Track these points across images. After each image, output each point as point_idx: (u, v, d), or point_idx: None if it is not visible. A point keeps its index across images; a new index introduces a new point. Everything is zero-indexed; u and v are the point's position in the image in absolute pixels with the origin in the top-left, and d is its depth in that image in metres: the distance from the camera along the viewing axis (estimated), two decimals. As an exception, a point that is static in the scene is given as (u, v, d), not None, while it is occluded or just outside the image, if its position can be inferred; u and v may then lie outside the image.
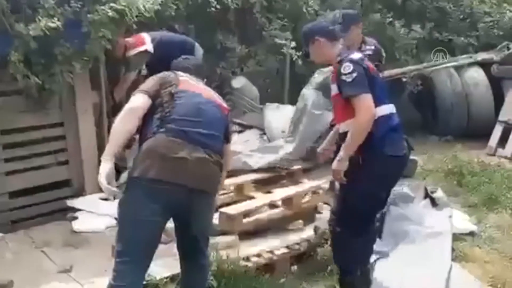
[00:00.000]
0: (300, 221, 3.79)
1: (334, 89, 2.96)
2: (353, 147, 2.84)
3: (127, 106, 2.46)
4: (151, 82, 2.60)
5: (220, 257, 3.16)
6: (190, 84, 2.68)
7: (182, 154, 2.39)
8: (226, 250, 3.30)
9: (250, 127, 5.55)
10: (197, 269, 2.69)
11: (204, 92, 2.69)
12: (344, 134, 2.93)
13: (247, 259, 3.34)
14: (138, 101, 2.48)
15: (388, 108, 2.96)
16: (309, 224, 3.83)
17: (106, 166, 2.38)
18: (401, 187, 4.39)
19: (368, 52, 4.43)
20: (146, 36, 4.79)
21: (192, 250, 2.66)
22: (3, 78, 3.59)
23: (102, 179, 2.36)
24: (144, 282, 2.61)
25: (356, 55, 2.96)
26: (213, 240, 3.35)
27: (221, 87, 6.02)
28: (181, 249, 2.70)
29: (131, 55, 4.70)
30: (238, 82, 6.05)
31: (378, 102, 2.85)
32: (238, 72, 6.26)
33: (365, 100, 2.79)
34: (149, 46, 4.74)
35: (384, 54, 4.66)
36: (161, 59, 4.76)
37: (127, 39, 4.64)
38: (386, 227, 3.75)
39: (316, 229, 3.67)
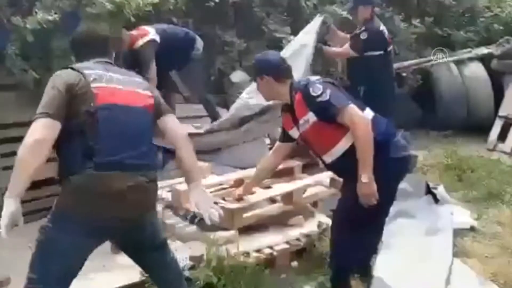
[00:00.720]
0: (301, 216, 3.76)
1: (307, 122, 2.79)
2: (370, 160, 2.67)
3: (31, 138, 2.08)
4: (53, 97, 2.16)
5: (220, 253, 3.13)
6: (106, 92, 2.24)
7: (117, 187, 2.16)
8: (225, 245, 3.27)
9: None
10: (167, 264, 2.55)
11: (124, 96, 2.28)
12: (333, 165, 2.87)
13: (247, 254, 3.31)
14: (44, 131, 2.10)
15: (369, 112, 2.88)
16: (310, 220, 3.80)
17: (11, 207, 2.07)
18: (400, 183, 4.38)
19: (362, 37, 4.59)
20: (149, 28, 4.77)
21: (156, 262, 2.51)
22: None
23: (4, 222, 2.06)
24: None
25: (312, 78, 2.88)
26: (212, 235, 3.35)
27: (220, 81, 5.99)
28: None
29: (139, 46, 4.67)
30: (237, 76, 6.01)
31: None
32: (237, 66, 6.22)
33: (354, 109, 2.70)
34: (155, 36, 4.72)
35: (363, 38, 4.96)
36: (165, 51, 4.84)
37: (130, 32, 4.62)
38: (386, 223, 3.71)
39: (319, 225, 3.64)
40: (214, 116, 5.34)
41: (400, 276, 3.25)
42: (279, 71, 2.94)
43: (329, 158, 2.86)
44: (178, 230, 3.50)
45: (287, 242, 3.52)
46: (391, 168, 2.78)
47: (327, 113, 2.72)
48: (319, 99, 2.71)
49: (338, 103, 2.70)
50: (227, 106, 5.75)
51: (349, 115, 2.69)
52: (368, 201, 2.72)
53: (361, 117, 2.72)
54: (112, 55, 2.48)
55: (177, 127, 2.49)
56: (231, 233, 3.43)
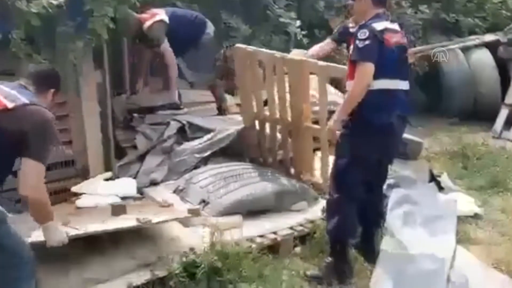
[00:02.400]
0: (304, 202, 3.78)
1: (351, 49, 3.09)
2: (346, 109, 3.07)
3: None
4: None
5: (224, 238, 3.15)
6: None
7: None
8: (229, 230, 3.29)
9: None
10: None
11: None
12: None
13: (251, 240, 3.34)
14: None
15: (390, 83, 3.05)
16: (314, 205, 3.81)
17: None
18: (404, 170, 4.39)
19: None
20: (159, 10, 4.79)
21: None
22: (4, 56, 3.54)
23: None
24: None
25: (380, 25, 3.02)
26: (216, 220, 3.38)
27: (225, 67, 5.96)
28: None
29: (148, 26, 4.70)
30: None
31: (382, 75, 2.97)
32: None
33: (365, 68, 2.94)
34: (164, 17, 4.73)
35: None
36: (175, 33, 4.86)
37: (140, 14, 4.64)
38: (391, 209, 3.72)
39: (324, 210, 3.64)
40: (220, 103, 5.34)
41: (404, 260, 3.27)
42: None
43: (348, 85, 3.12)
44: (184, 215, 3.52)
45: (290, 228, 3.54)
46: (374, 132, 3.03)
47: (353, 55, 3.04)
48: (357, 42, 2.99)
49: (362, 56, 2.97)
50: (232, 92, 5.75)
51: (359, 69, 2.96)
52: (329, 136, 3.42)
53: (364, 76, 2.95)
54: None
55: (29, 177, 2.35)
56: (235, 218, 3.45)
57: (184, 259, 2.94)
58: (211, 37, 5.19)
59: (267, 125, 4.40)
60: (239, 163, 4.24)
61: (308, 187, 3.95)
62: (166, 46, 4.91)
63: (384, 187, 3.59)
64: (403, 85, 3.12)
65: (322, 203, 3.80)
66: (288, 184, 3.86)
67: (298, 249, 3.49)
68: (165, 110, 5.11)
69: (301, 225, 3.58)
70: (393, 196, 3.83)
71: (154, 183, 4.11)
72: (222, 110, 5.32)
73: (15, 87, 2.46)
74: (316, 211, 3.72)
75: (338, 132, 3.19)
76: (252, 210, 3.58)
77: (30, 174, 2.32)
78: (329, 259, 3.19)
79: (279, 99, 4.18)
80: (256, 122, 4.48)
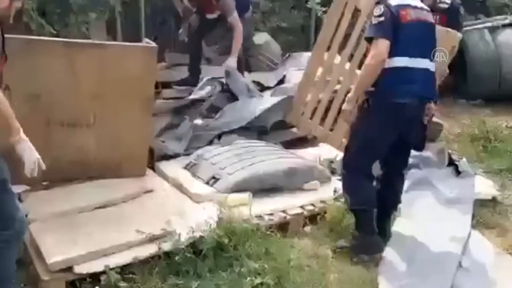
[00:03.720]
0: (316, 181, 3.71)
1: None
2: (360, 88, 3.00)
3: None
4: None
5: (232, 214, 3.11)
6: None
7: None
8: (238, 207, 3.26)
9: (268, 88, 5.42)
10: None
11: None
12: None
13: (259, 217, 3.30)
14: None
15: (409, 62, 2.92)
16: (326, 184, 3.75)
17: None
18: (425, 151, 4.28)
19: (442, 6, 4.31)
20: None
21: None
22: (16, 27, 3.52)
23: None
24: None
25: (394, 1, 2.92)
26: (225, 197, 3.34)
27: (243, 43, 5.87)
28: None
29: None
30: (260, 38, 5.89)
31: (398, 52, 2.88)
32: (261, 27, 6.09)
33: (379, 45, 2.85)
34: None
35: (462, 13, 4.58)
36: None
37: None
38: (407, 190, 3.63)
39: (336, 190, 3.58)
40: None
41: (416, 242, 3.20)
42: None
43: None
44: (193, 191, 3.50)
45: (301, 207, 3.49)
46: (390, 111, 2.94)
47: (367, 32, 3.03)
48: (372, 19, 2.93)
49: (375, 32, 2.90)
50: (248, 69, 5.67)
51: (373, 46, 2.89)
52: (343, 117, 3.19)
53: (378, 54, 2.86)
54: None
55: None
56: (245, 195, 3.41)
57: (191, 234, 2.92)
58: (251, 15, 5.17)
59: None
60: (253, 141, 4.19)
61: (323, 167, 3.88)
62: (235, 15, 4.96)
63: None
64: (426, 64, 2.98)
65: (335, 182, 3.75)
66: (301, 163, 3.79)
67: (307, 229, 3.45)
68: (182, 86, 5.09)
69: (312, 204, 3.52)
70: (410, 177, 3.75)
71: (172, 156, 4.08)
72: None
73: None
74: (328, 190, 3.65)
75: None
76: (262, 188, 3.53)
77: None
78: (355, 231, 3.17)
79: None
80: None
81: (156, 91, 4.19)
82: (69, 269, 2.68)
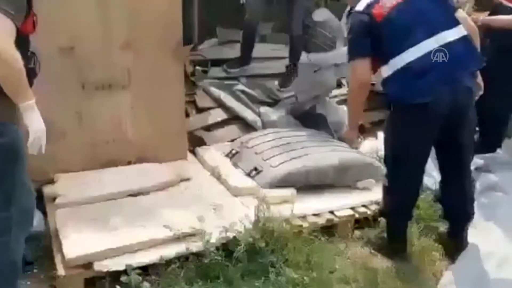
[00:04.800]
0: (371, 179, 3.29)
1: None
2: (350, 115, 2.85)
3: None
4: None
5: (271, 213, 2.76)
6: None
7: None
8: (280, 205, 2.92)
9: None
10: None
11: None
12: None
13: (303, 218, 2.95)
14: None
15: (408, 55, 2.45)
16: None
17: None
18: (497, 150, 3.76)
19: None
20: None
21: None
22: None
23: None
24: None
25: (362, 2, 2.53)
26: (266, 192, 3.01)
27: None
28: None
29: None
30: (321, 15, 5.41)
31: (392, 53, 2.48)
32: (321, 4, 5.61)
33: (357, 66, 2.58)
34: None
35: None
36: None
37: None
38: (477, 197, 3.15)
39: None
40: (295, 60, 4.82)
41: (484, 262, 2.76)
42: None
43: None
44: (232, 183, 3.19)
45: (352, 208, 3.10)
46: (413, 113, 2.50)
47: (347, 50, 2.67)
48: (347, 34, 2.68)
49: (350, 52, 2.61)
50: (306, 48, 5.23)
51: (352, 69, 2.64)
52: (349, 144, 3.07)
53: (358, 77, 2.60)
54: None
55: None
56: (288, 192, 3.07)
57: (223, 234, 2.62)
58: None
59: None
60: (305, 129, 3.84)
61: (380, 163, 3.45)
62: None
63: (472, 168, 3.02)
64: (439, 40, 2.47)
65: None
66: (355, 158, 3.37)
67: (357, 233, 3.06)
68: (232, 68, 4.71)
69: (364, 206, 3.13)
70: (480, 182, 3.26)
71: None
72: (293, 69, 4.82)
73: None
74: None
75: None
76: (309, 184, 3.16)
77: None
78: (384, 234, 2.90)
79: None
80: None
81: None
82: (89, 265, 2.46)
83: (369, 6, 2.52)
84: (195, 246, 2.57)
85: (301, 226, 2.84)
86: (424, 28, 2.48)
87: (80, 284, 2.43)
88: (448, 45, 2.47)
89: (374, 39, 2.51)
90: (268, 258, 2.59)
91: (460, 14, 2.66)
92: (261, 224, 2.70)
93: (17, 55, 1.85)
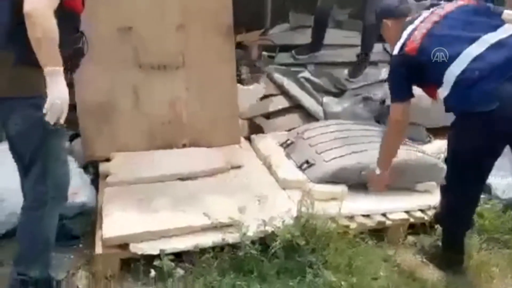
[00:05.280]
0: (433, 183, 3.04)
1: None
2: (382, 155, 2.65)
3: None
4: None
5: (315, 211, 2.62)
6: None
7: None
8: (327, 202, 2.77)
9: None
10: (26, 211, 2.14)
11: None
12: None
13: (350, 218, 2.78)
14: None
15: (452, 74, 2.28)
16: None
17: None
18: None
19: None
20: None
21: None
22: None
23: None
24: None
25: (398, 45, 2.44)
26: (313, 187, 2.86)
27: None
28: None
29: None
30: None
31: (439, 79, 2.32)
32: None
33: (393, 109, 2.52)
34: None
35: None
36: None
37: None
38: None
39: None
40: (368, 50, 4.57)
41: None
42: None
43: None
44: (281, 175, 3.07)
45: (407, 212, 2.88)
46: (473, 123, 2.29)
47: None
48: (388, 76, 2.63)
49: (390, 96, 2.57)
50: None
51: (390, 110, 2.55)
52: (372, 185, 2.78)
53: (392, 120, 2.53)
54: None
55: None
56: (338, 188, 2.90)
57: (262, 228, 2.52)
58: None
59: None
60: (368, 123, 3.64)
61: (442, 165, 3.17)
62: None
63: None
64: (485, 42, 2.25)
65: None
66: (417, 158, 3.11)
67: (410, 239, 2.84)
68: (301, 55, 4.55)
69: (421, 210, 2.89)
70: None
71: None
72: (364, 59, 4.57)
73: None
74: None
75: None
76: (362, 182, 2.96)
77: None
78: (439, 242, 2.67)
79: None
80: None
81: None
82: (126, 246, 2.47)
83: (402, 46, 2.43)
84: (231, 237, 2.49)
85: (347, 226, 2.68)
86: (464, 39, 2.30)
87: (115, 264, 2.45)
88: (498, 45, 2.24)
89: (418, 72, 2.40)
90: (307, 257, 2.47)
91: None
92: (303, 220, 2.57)
93: (50, 17, 1.81)
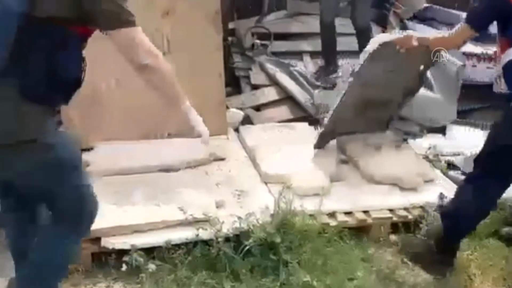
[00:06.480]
0: (419, 179, 2.95)
1: None
2: (429, 39, 2.62)
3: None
4: None
5: (293, 207, 2.54)
6: None
7: None
8: (307, 198, 2.70)
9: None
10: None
11: None
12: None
13: (331, 215, 2.70)
14: None
15: None
16: (429, 186, 2.96)
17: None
18: None
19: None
20: None
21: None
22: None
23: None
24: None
25: None
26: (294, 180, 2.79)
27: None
28: None
29: None
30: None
31: (508, 43, 2.24)
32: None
33: (460, 30, 2.41)
34: None
35: None
36: None
37: None
38: None
39: (441, 197, 2.80)
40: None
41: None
42: None
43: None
44: (263, 169, 3.00)
45: (390, 210, 2.79)
46: None
47: None
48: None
49: (467, 16, 2.43)
50: (384, 24, 4.78)
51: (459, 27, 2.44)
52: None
53: (456, 37, 2.46)
54: None
55: (139, 43, 1.80)
56: (321, 183, 2.82)
57: (237, 224, 2.46)
58: None
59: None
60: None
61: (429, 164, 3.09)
62: None
63: None
64: None
65: (443, 184, 2.96)
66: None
67: (392, 238, 2.76)
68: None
69: (405, 208, 2.80)
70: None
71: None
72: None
73: None
74: (431, 193, 2.87)
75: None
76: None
77: (137, 40, 1.79)
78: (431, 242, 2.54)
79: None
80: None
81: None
82: (98, 240, 2.43)
83: None
84: (205, 233, 2.43)
85: (327, 224, 2.61)
86: None
87: (87, 258, 2.42)
88: None
89: (504, 18, 2.29)
90: (282, 256, 2.40)
91: None
92: (280, 217, 2.50)
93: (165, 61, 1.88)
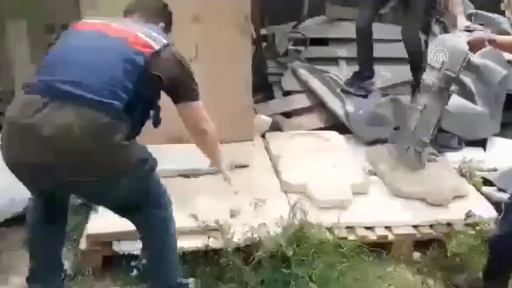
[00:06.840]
0: (449, 195, 2.77)
1: None
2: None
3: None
4: None
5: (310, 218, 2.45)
6: (87, 24, 2.04)
7: (33, 114, 1.74)
8: (326, 211, 2.59)
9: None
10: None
11: (103, 27, 1.96)
12: None
13: (351, 229, 2.58)
14: None
15: None
16: (458, 202, 2.78)
17: None
18: None
19: None
20: None
21: None
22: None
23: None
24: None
25: None
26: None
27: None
28: None
29: None
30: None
31: None
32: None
33: None
34: None
35: None
36: None
37: None
38: None
39: (468, 214, 2.63)
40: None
41: None
42: None
43: None
44: (284, 178, 2.92)
45: (414, 226, 2.64)
46: None
47: None
48: None
49: None
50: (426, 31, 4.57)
51: None
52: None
53: None
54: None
55: (200, 115, 2.17)
56: (343, 197, 2.70)
57: (248, 235, 2.39)
58: None
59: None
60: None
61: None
62: None
63: None
64: None
65: (474, 202, 2.78)
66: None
67: (416, 255, 2.60)
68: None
69: (430, 226, 2.64)
70: None
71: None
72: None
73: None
74: (459, 211, 2.69)
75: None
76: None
77: (200, 112, 2.16)
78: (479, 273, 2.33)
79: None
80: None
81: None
82: (109, 243, 2.43)
83: None
84: (215, 242, 2.39)
85: (344, 238, 2.49)
86: None
87: (98, 262, 2.43)
88: None
89: None
90: (293, 270, 2.31)
91: None
92: (294, 229, 2.41)
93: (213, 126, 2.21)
